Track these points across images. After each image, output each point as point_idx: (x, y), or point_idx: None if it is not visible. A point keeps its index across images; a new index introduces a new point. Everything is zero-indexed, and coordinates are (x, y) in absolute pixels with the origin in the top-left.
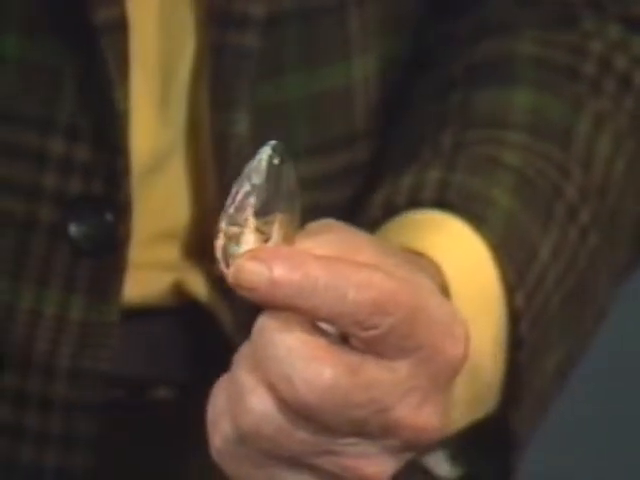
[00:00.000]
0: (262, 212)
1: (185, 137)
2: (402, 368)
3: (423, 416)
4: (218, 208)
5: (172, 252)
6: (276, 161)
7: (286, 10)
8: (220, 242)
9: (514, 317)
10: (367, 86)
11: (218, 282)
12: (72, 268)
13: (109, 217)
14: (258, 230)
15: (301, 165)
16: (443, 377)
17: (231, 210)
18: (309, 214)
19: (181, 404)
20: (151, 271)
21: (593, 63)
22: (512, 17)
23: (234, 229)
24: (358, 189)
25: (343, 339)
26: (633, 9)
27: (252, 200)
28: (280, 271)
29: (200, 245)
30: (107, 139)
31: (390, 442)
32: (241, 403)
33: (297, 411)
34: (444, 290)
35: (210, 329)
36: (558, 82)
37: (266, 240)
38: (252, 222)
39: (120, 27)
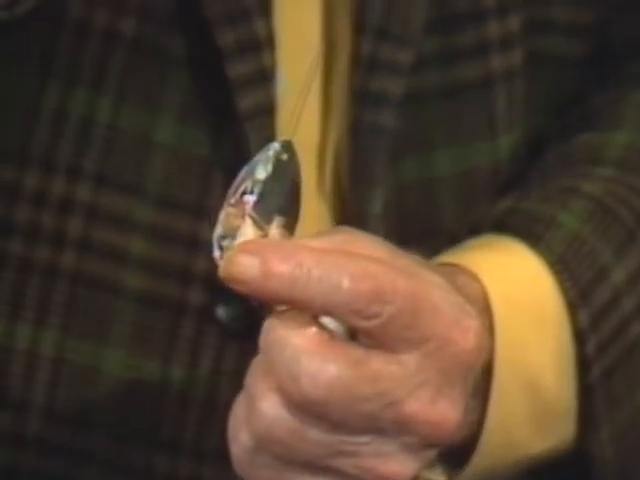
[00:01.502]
0: (262, 208)
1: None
2: (410, 361)
3: (438, 410)
4: None
5: None
6: (284, 157)
7: (429, 87)
8: (217, 233)
9: (579, 337)
10: (514, 164)
11: None
12: (220, 350)
13: None
14: (256, 225)
15: (444, 243)
16: (455, 370)
17: (232, 201)
18: None
19: None
20: None
21: None
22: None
23: (232, 221)
24: None
25: (352, 337)
26: None
27: (254, 194)
28: (272, 263)
29: None
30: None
31: (407, 439)
32: (253, 410)
33: (306, 409)
34: (484, 298)
35: None
36: None
37: (263, 236)
38: (251, 217)
39: (265, 113)
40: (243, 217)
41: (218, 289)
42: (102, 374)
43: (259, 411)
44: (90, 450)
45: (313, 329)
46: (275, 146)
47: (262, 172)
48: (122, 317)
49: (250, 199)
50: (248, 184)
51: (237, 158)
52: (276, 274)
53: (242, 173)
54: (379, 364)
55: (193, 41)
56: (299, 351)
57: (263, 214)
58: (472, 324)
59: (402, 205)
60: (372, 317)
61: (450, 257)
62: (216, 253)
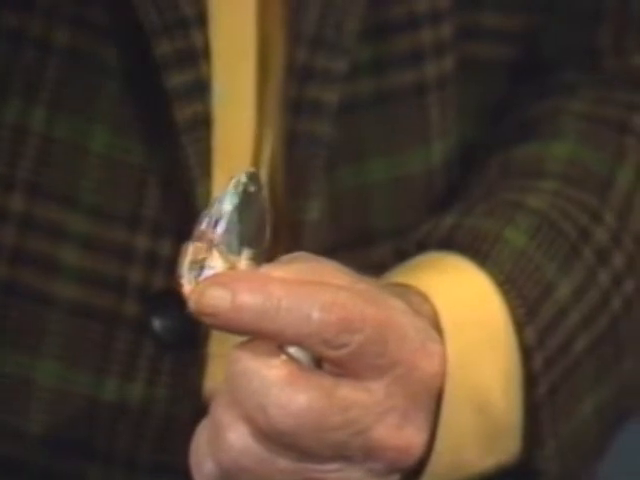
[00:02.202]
0: (230, 240)
1: None
2: (378, 388)
3: (404, 436)
4: None
5: None
6: (251, 189)
7: (363, 95)
8: (184, 266)
9: (526, 354)
10: (447, 170)
11: None
12: (156, 362)
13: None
14: (223, 257)
15: (378, 249)
16: (421, 395)
17: (199, 234)
18: None
19: None
20: None
21: None
22: (573, 79)
23: (200, 254)
24: None
25: (317, 366)
26: None
27: (222, 226)
28: (242, 294)
29: None
30: (189, 235)
31: (374, 465)
32: (219, 440)
33: (275, 440)
34: (434, 319)
35: None
36: (604, 135)
37: (231, 269)
38: (218, 249)
39: (203, 124)
40: (210, 249)
41: (153, 300)
42: (35, 385)
43: (226, 441)
44: (23, 460)
45: (281, 359)
46: (242, 178)
47: (229, 204)
48: (55, 328)
49: (217, 231)
50: (215, 216)
51: (172, 169)
52: (246, 306)
53: (210, 205)
54: (348, 393)
55: (129, 51)
56: (268, 382)
57: (231, 246)
58: (437, 349)
59: (338, 214)
60: (341, 347)
61: (399, 276)
62: (185, 286)
